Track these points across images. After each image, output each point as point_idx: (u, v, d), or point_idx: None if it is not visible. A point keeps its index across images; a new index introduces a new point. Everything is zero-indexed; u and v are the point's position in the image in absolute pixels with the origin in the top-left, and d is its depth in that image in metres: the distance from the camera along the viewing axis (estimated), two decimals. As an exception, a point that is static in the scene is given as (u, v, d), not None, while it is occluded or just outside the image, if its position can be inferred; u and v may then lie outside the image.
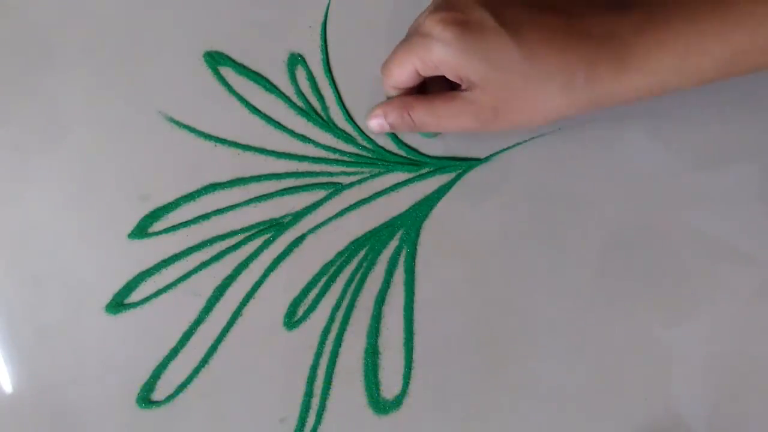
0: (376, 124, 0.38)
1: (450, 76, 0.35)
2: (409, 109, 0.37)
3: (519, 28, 0.33)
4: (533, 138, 0.40)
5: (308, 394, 0.39)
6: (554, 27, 0.33)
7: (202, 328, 0.39)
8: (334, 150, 0.41)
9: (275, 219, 0.40)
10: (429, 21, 0.34)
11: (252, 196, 0.40)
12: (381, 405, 0.39)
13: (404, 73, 0.36)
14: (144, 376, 0.39)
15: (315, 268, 0.40)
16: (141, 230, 0.40)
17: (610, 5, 0.34)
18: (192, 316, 0.39)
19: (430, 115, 0.36)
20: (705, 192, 0.40)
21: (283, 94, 0.41)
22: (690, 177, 0.40)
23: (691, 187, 0.40)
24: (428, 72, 0.35)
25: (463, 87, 0.35)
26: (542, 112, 0.35)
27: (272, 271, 0.40)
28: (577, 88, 0.34)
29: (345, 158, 0.41)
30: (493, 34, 0.33)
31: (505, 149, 0.40)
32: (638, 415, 0.39)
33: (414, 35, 0.35)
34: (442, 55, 0.34)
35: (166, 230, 0.40)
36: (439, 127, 0.37)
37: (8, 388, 0.39)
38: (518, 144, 0.41)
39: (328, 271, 0.40)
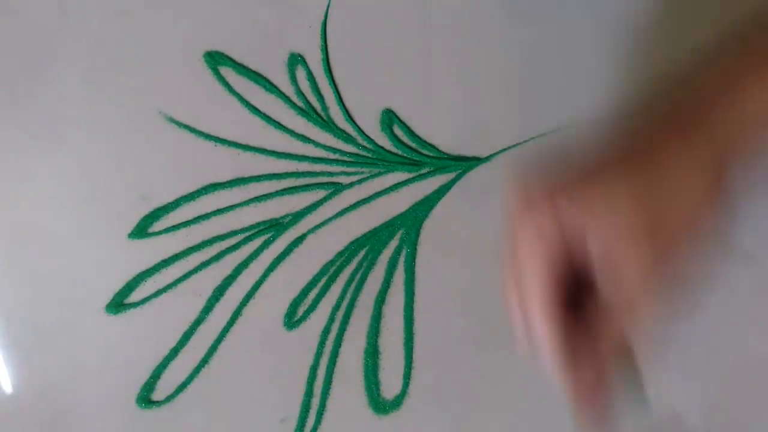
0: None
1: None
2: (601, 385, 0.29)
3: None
4: (533, 138, 0.41)
5: (308, 394, 0.39)
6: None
7: (202, 328, 0.40)
8: (334, 150, 0.41)
9: (275, 219, 0.40)
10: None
11: (252, 196, 0.40)
12: (381, 405, 0.39)
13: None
14: (144, 375, 0.39)
15: (315, 268, 0.40)
16: (141, 230, 0.40)
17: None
18: (192, 315, 0.40)
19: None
20: None
21: (283, 94, 0.41)
22: None
23: None
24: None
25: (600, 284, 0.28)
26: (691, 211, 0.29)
27: (272, 271, 0.40)
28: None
29: (345, 158, 0.41)
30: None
31: (505, 149, 0.40)
32: (637, 414, 0.39)
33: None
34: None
35: (166, 230, 0.40)
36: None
37: (8, 388, 0.39)
38: (518, 144, 0.41)
39: (328, 271, 0.40)
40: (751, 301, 0.39)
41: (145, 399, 0.39)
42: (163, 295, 0.40)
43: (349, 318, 0.40)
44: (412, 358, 0.39)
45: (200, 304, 0.40)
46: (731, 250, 0.39)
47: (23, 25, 0.42)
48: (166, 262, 0.40)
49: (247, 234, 0.40)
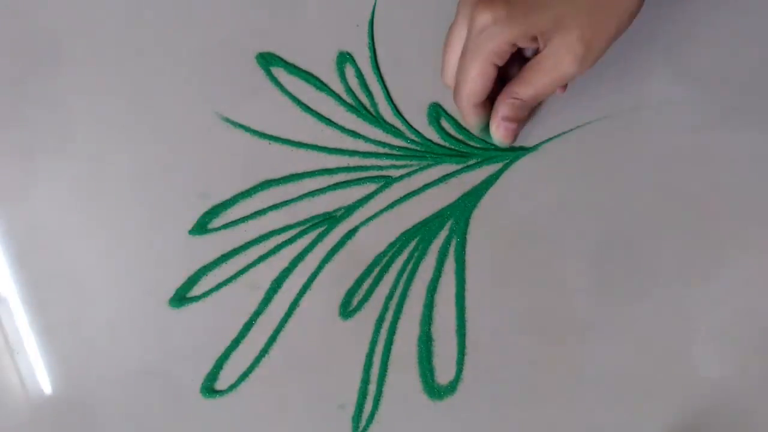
0: (501, 131, 0.38)
1: (526, 44, 0.34)
2: (512, 94, 0.36)
3: None
4: (579, 126, 0.41)
5: (365, 381, 0.40)
6: None
7: (262, 319, 0.41)
8: (384, 144, 0.42)
9: (328, 213, 0.41)
10: (475, 14, 0.34)
11: (306, 191, 0.42)
12: (436, 390, 0.40)
13: (486, 76, 0.35)
14: (207, 366, 0.40)
15: (368, 259, 0.41)
16: (201, 227, 0.41)
17: None
18: (251, 307, 0.41)
19: (532, 84, 0.35)
20: (733, 152, 0.41)
21: (333, 91, 0.42)
22: (721, 137, 0.41)
23: (720, 148, 0.41)
24: (505, 57, 0.35)
25: (541, 45, 0.35)
26: (624, 7, 0.34)
27: (327, 262, 0.41)
28: None
29: (394, 152, 0.42)
30: None
31: (551, 138, 0.41)
32: (686, 392, 0.39)
33: (471, 38, 0.35)
34: (510, 30, 0.33)
35: (225, 226, 0.41)
36: (548, 89, 0.36)
37: (78, 381, 0.41)
38: (564, 133, 0.41)
39: (381, 262, 0.41)
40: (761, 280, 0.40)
41: (209, 389, 0.40)
42: (223, 289, 0.41)
43: (402, 307, 0.41)
44: (464, 344, 0.40)
45: (259, 296, 0.41)
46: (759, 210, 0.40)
47: (32, 26, 0.43)
48: (225, 257, 0.41)
49: (302, 228, 0.41)
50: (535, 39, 0.34)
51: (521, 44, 0.35)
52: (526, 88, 0.36)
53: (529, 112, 0.38)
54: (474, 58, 0.35)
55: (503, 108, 0.37)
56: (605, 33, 0.34)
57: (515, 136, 0.38)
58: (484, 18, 0.34)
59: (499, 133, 0.38)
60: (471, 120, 0.38)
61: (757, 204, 0.41)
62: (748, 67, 0.42)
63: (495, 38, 0.34)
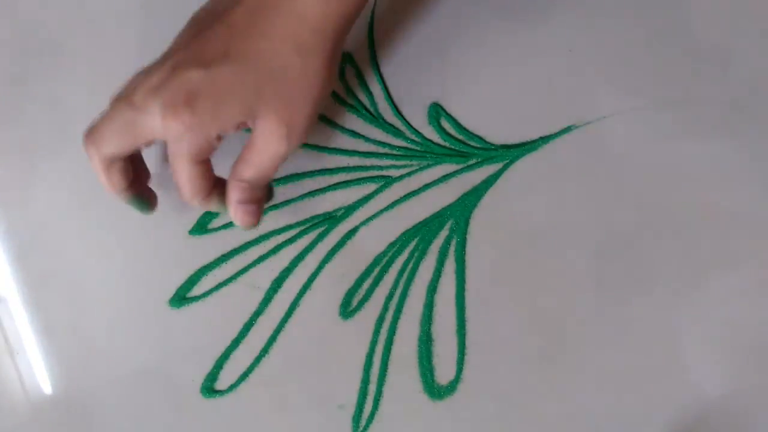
0: (239, 215, 0.36)
1: (231, 132, 0.34)
2: (237, 177, 0.35)
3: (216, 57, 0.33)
4: (579, 126, 0.41)
5: (365, 381, 0.40)
6: (232, 25, 0.33)
7: (262, 319, 0.41)
8: (384, 144, 0.42)
9: (328, 212, 0.41)
10: (165, 126, 0.32)
11: (306, 191, 0.42)
12: (436, 390, 0.40)
13: (197, 175, 0.34)
14: (207, 366, 0.41)
15: (368, 259, 0.41)
16: (201, 226, 0.41)
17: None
18: (252, 307, 0.41)
19: (253, 165, 0.34)
20: (717, 164, 0.41)
21: (333, 91, 0.42)
22: (707, 150, 0.41)
23: (704, 160, 0.41)
24: (211, 152, 0.34)
25: (250, 125, 0.34)
26: (309, 83, 0.34)
27: (327, 263, 0.41)
28: (305, 44, 0.33)
29: (394, 152, 0.42)
30: (206, 81, 0.32)
31: (551, 138, 0.41)
32: (686, 392, 0.39)
33: (169, 146, 0.33)
34: (203, 133, 0.33)
35: (225, 226, 0.41)
36: (268, 167, 0.35)
37: (78, 381, 0.41)
38: (564, 132, 0.41)
39: (381, 262, 0.41)
40: (761, 278, 0.40)
41: (209, 388, 0.40)
42: (223, 289, 0.41)
43: (402, 307, 0.41)
44: (464, 344, 0.40)
45: (259, 296, 0.41)
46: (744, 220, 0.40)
47: (30, 25, 0.43)
48: (225, 257, 0.41)
49: (302, 228, 0.41)
50: (238, 126, 0.34)
51: (224, 135, 0.34)
52: (248, 169, 0.34)
53: (263, 191, 0.36)
54: (178, 163, 0.34)
55: (234, 192, 0.35)
56: (302, 110, 0.34)
57: (258, 216, 0.36)
58: (174, 129, 0.32)
59: (239, 219, 0.36)
60: (212, 209, 0.37)
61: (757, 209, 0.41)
62: (749, 65, 0.42)
63: (191, 143, 0.33)
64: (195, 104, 0.32)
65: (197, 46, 0.33)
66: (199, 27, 0.34)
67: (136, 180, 0.37)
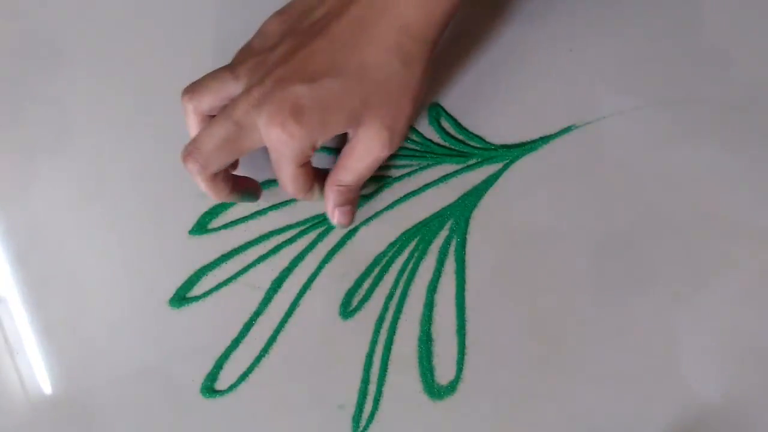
0: (337, 217, 0.38)
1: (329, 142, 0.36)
2: (336, 182, 0.37)
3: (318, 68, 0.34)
4: (579, 126, 0.41)
5: (365, 381, 0.40)
6: (332, 31, 0.34)
7: (262, 320, 0.41)
8: (384, 144, 0.42)
9: (329, 212, 0.42)
10: (269, 132, 0.34)
11: (306, 191, 0.42)
12: (436, 390, 0.40)
13: (299, 176, 0.36)
14: (207, 366, 0.41)
15: (368, 259, 0.41)
16: (201, 227, 0.41)
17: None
18: (252, 307, 0.41)
19: (352, 171, 0.36)
20: (717, 165, 0.41)
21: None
22: (707, 151, 0.41)
23: (704, 161, 0.41)
24: (311, 155, 0.36)
25: (350, 133, 0.36)
26: (411, 89, 0.35)
27: (327, 263, 0.41)
28: (409, 53, 0.34)
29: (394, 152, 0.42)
30: (314, 91, 0.33)
31: (551, 138, 0.41)
32: (685, 393, 0.39)
33: (272, 150, 0.35)
34: (308, 141, 0.34)
35: (225, 226, 0.41)
36: (366, 172, 0.36)
37: (78, 381, 0.41)
38: (564, 132, 0.41)
39: (381, 262, 0.41)
40: (761, 281, 0.40)
41: (209, 389, 0.40)
42: (223, 289, 0.41)
43: (402, 307, 0.41)
44: (465, 344, 0.40)
45: (259, 296, 0.41)
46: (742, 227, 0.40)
47: (34, 26, 0.44)
48: (225, 257, 0.41)
49: (302, 228, 0.41)
50: (345, 130, 0.35)
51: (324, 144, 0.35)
52: (346, 174, 0.36)
53: (358, 192, 0.38)
54: (282, 168, 0.35)
55: (332, 196, 0.37)
56: (404, 114, 0.35)
57: (353, 215, 0.38)
58: (280, 140, 0.34)
59: (336, 220, 0.38)
60: (313, 200, 0.38)
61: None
62: (750, 66, 0.42)
63: (296, 151, 0.34)
64: (301, 117, 0.33)
65: (300, 60, 0.34)
66: (296, 36, 0.35)
67: (234, 178, 0.38)
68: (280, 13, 0.37)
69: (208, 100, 0.36)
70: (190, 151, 0.35)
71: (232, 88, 0.35)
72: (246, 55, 0.36)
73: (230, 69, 0.36)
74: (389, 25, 0.34)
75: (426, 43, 0.35)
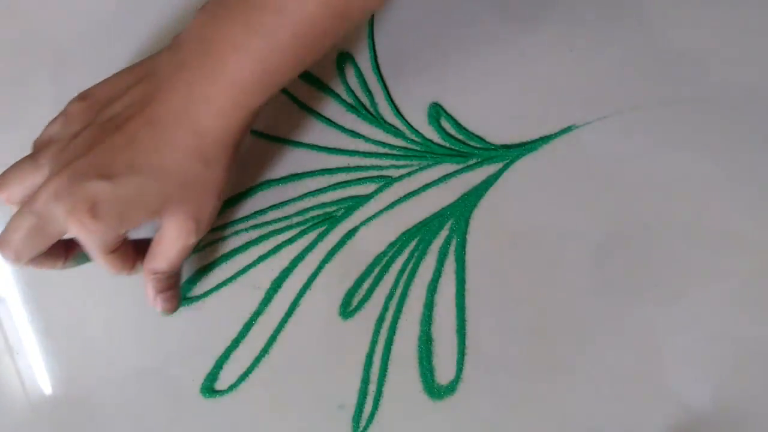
0: (160, 305, 0.38)
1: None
2: (151, 272, 0.37)
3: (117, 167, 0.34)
4: (579, 126, 0.41)
5: (365, 381, 0.40)
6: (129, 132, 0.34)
7: (262, 320, 0.41)
8: (384, 144, 0.42)
9: (329, 212, 0.41)
10: (69, 225, 0.34)
11: (306, 191, 0.42)
12: (436, 390, 0.40)
13: (114, 261, 0.36)
14: (207, 366, 0.41)
15: (368, 259, 0.41)
16: (201, 226, 0.41)
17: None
18: (252, 307, 0.41)
19: (164, 258, 0.36)
20: (717, 165, 0.41)
21: (334, 91, 0.42)
22: (707, 151, 0.41)
23: (704, 161, 0.41)
24: (120, 244, 0.36)
25: (157, 221, 0.36)
26: (214, 186, 0.35)
27: (327, 262, 0.41)
28: (207, 155, 0.34)
29: (394, 152, 0.42)
30: (119, 187, 0.34)
31: (551, 138, 0.41)
32: (685, 393, 0.39)
33: (80, 240, 0.35)
34: (109, 235, 0.34)
35: (225, 226, 0.41)
36: (178, 258, 0.36)
37: (78, 381, 0.41)
38: (564, 132, 0.41)
39: (381, 262, 0.41)
40: (744, 285, 0.40)
41: (209, 388, 0.40)
42: (224, 289, 0.41)
43: (402, 306, 0.41)
44: (464, 344, 0.40)
45: (259, 296, 0.41)
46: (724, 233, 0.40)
47: (33, 27, 0.43)
48: (225, 257, 0.41)
49: (302, 228, 0.41)
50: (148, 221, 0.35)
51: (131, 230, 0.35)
52: (159, 262, 0.36)
53: (177, 277, 0.38)
54: (92, 254, 0.36)
55: (150, 284, 0.37)
56: (207, 208, 0.36)
57: (176, 300, 0.39)
58: (80, 234, 0.34)
59: (159, 307, 0.38)
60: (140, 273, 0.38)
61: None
62: (752, 67, 0.42)
63: (98, 243, 0.34)
64: (98, 214, 0.33)
65: (99, 154, 0.34)
66: (96, 128, 0.35)
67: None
68: (84, 97, 0.36)
69: (18, 191, 0.36)
70: (1, 241, 0.35)
71: (35, 177, 0.35)
72: (47, 140, 0.36)
73: (32, 158, 0.36)
74: (186, 130, 0.34)
75: (226, 144, 0.35)
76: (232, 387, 0.40)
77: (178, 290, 0.39)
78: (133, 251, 0.37)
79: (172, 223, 0.35)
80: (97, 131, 0.35)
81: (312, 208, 0.41)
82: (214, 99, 0.34)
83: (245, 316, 0.41)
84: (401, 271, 0.41)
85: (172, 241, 0.36)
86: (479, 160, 0.41)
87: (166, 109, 0.34)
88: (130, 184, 0.34)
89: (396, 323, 0.41)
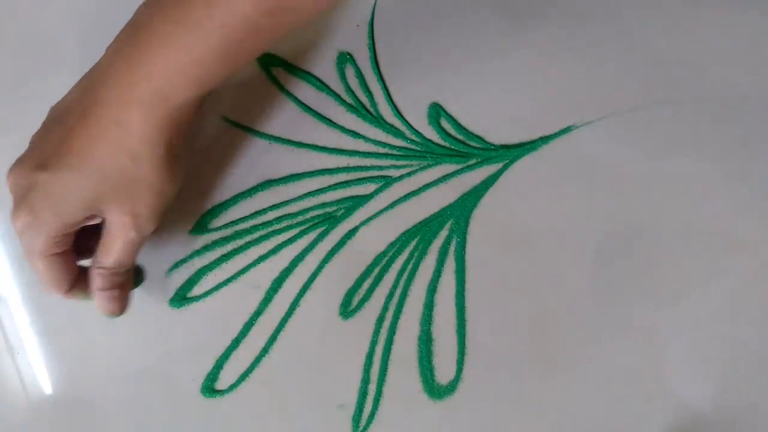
0: (102, 303, 0.37)
1: (77, 227, 0.36)
2: (97, 264, 0.36)
3: (53, 160, 0.34)
4: (579, 126, 0.41)
5: (365, 381, 0.40)
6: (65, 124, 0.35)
7: (262, 319, 0.41)
8: (384, 144, 0.42)
9: (329, 212, 0.41)
10: (12, 222, 0.35)
11: (306, 191, 0.42)
12: (436, 390, 0.40)
13: (54, 266, 0.36)
14: (207, 366, 0.41)
15: (368, 259, 0.41)
16: (201, 226, 0.41)
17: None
18: (252, 307, 0.41)
19: (111, 252, 0.36)
20: (717, 170, 0.41)
21: (333, 91, 0.42)
22: (707, 151, 0.41)
23: (704, 161, 0.41)
24: (62, 246, 0.36)
25: (100, 216, 0.36)
26: (145, 181, 0.35)
27: (327, 262, 0.41)
28: (134, 151, 0.34)
29: (394, 152, 0.42)
30: (55, 186, 0.34)
31: (551, 138, 0.41)
32: (684, 393, 0.39)
33: (19, 240, 0.35)
34: (46, 231, 0.34)
35: (225, 226, 0.41)
36: (125, 253, 0.36)
37: (78, 381, 0.41)
38: (564, 132, 0.41)
39: (381, 262, 0.41)
40: (746, 287, 0.40)
41: (210, 388, 0.40)
42: (224, 289, 0.41)
43: (402, 306, 0.41)
44: (464, 344, 0.40)
45: (259, 296, 0.41)
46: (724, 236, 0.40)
47: (33, 28, 0.43)
48: (226, 257, 0.41)
49: (302, 228, 0.41)
50: (86, 220, 0.35)
51: (71, 231, 0.35)
52: (105, 256, 0.36)
53: (125, 276, 0.37)
54: (29, 259, 0.36)
55: (95, 280, 0.37)
56: (143, 201, 0.35)
57: (122, 302, 0.38)
58: (17, 227, 0.35)
59: (102, 306, 0.37)
60: (79, 299, 0.38)
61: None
62: (752, 68, 0.42)
63: (35, 240, 0.35)
64: (33, 204, 0.34)
65: (38, 146, 0.35)
66: (45, 124, 0.36)
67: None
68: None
69: None
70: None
71: None
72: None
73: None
74: (110, 121, 0.34)
75: (153, 142, 0.34)
76: (232, 387, 0.40)
77: (124, 292, 0.38)
78: (75, 270, 0.37)
79: (109, 217, 0.35)
80: (44, 127, 0.36)
81: (312, 208, 0.41)
82: (134, 88, 0.33)
83: (245, 316, 0.41)
84: (401, 271, 0.41)
85: (113, 234, 0.36)
86: (479, 160, 0.41)
87: (96, 100, 0.34)
88: (63, 174, 0.34)
89: (396, 323, 0.41)
